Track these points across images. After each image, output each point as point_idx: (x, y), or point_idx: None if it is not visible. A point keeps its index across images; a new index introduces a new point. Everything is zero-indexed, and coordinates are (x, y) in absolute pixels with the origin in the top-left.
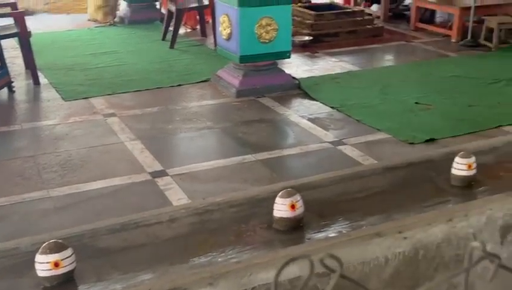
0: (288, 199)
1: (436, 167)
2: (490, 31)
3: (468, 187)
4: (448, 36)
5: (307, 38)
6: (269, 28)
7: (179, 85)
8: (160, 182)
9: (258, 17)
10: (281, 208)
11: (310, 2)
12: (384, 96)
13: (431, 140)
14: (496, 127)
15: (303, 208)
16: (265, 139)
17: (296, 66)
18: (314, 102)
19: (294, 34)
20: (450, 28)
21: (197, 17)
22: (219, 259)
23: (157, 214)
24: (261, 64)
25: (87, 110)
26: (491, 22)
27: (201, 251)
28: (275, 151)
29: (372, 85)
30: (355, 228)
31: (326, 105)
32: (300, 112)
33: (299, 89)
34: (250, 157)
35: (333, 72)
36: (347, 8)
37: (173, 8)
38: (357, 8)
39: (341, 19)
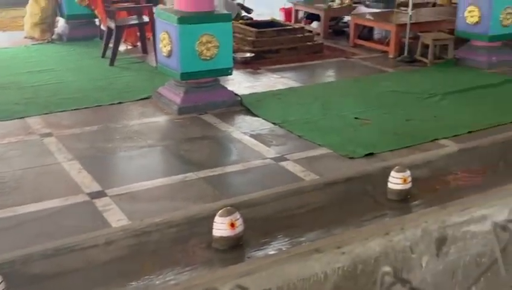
0: (227, 218)
1: (374, 181)
2: (426, 47)
3: (404, 201)
4: (386, 52)
5: (248, 55)
6: (210, 45)
7: (119, 103)
8: (99, 203)
9: (199, 34)
10: (220, 227)
11: (252, 19)
12: (325, 111)
13: (370, 154)
14: (431, 141)
15: (243, 226)
16: (208, 157)
17: (238, 83)
18: (257, 118)
19: (236, 51)
20: (388, 44)
21: (138, 33)
22: (157, 282)
23: (92, 237)
24: (202, 81)
25: (22, 130)
26: (426, 38)
27: (138, 274)
28: (218, 169)
29: (313, 101)
30: (294, 244)
31: (268, 121)
32: (242, 129)
33: (241, 105)
34: (192, 175)
35: (275, 89)
36: (288, 25)
37: (113, 25)
38: (297, 25)
39: (282, 36)
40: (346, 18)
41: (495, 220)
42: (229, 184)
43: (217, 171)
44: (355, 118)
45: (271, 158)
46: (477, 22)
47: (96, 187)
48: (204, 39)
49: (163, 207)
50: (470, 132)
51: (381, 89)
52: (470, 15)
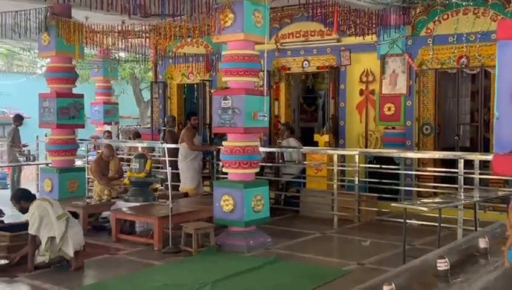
0: None
1: None
2: (189, 236)
3: None
4: (151, 245)
5: (3, 262)
6: None
7: None
8: None
9: None
10: None
11: (3, 222)
12: None
13: None
14: None
15: None
16: None
17: None
18: None
19: None
20: (152, 237)
21: None
22: None
23: None
24: None
25: None
26: (188, 228)
27: None
28: None
29: None
30: None
31: None
32: None
33: None
34: None
35: None
36: None
37: None
38: None
39: None
40: (106, 213)
41: None
42: None
43: None
44: None
45: None
46: (232, 210)
47: None
48: None
49: None
50: None
51: (152, 283)
52: (225, 204)
